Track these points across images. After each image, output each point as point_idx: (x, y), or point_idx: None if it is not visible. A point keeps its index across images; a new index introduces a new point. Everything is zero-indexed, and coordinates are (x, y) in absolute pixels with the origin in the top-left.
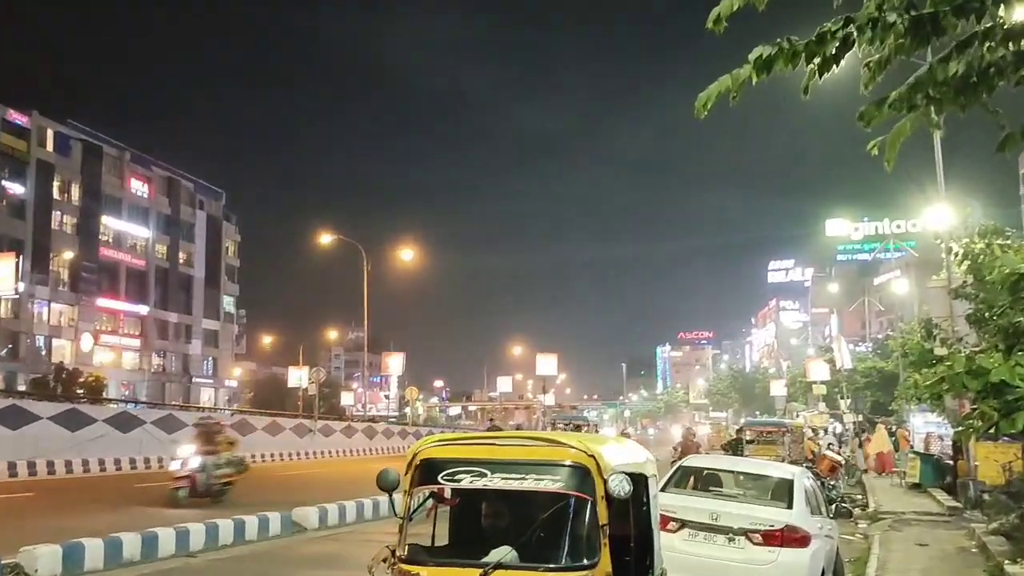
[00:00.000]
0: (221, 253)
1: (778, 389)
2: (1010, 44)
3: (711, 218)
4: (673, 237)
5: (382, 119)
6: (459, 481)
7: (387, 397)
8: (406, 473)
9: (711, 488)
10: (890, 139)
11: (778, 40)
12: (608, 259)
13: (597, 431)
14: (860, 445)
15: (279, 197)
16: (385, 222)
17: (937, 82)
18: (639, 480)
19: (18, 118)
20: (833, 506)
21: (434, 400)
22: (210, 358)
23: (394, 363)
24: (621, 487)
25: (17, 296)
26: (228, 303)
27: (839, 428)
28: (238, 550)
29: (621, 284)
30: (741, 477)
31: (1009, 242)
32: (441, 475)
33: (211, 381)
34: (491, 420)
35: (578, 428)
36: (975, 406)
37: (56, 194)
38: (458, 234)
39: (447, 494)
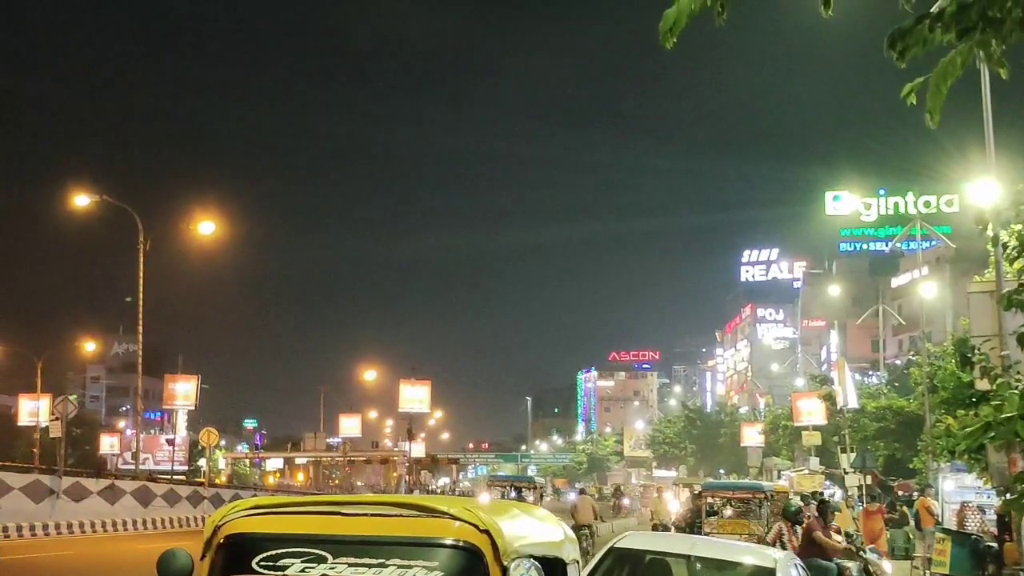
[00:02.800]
0: None
1: (752, 437)
2: None
3: (660, 190)
4: (604, 216)
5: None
6: (285, 569)
7: (171, 443)
8: (203, 556)
9: None
10: (934, 80)
11: None
12: (510, 251)
13: (541, 498)
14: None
15: (8, 134)
16: (179, 184)
17: None
18: (554, 568)
19: None
20: None
21: (243, 448)
22: None
23: (183, 391)
24: None
25: None
26: None
27: (837, 494)
28: None
29: (527, 284)
30: (699, 566)
31: None
32: (257, 560)
33: None
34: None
35: (520, 493)
36: None
37: None
38: (288, 207)
39: None
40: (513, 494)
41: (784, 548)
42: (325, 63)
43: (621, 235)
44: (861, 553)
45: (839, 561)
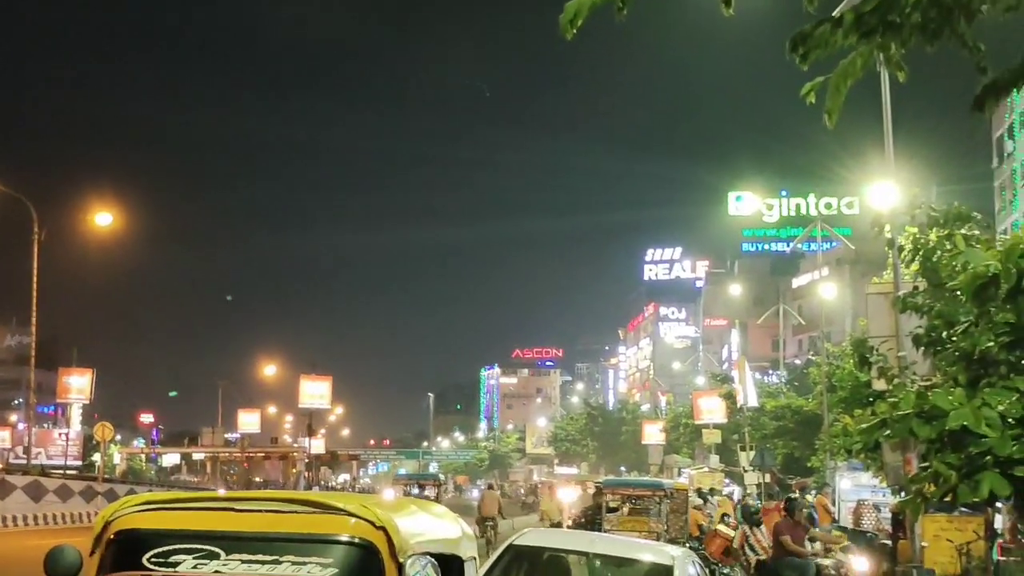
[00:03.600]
0: None
1: (654, 435)
2: None
3: (562, 187)
4: (511, 214)
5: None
6: (176, 566)
7: (64, 437)
8: (93, 552)
9: None
10: (834, 80)
11: None
12: (413, 247)
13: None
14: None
15: None
16: (76, 172)
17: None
18: (451, 565)
19: None
20: None
21: (139, 443)
22: None
23: (77, 384)
24: None
25: None
26: None
27: (735, 492)
28: None
29: (429, 280)
30: (598, 563)
31: (976, 233)
32: (148, 556)
33: None
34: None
35: (423, 490)
36: (926, 463)
37: None
38: (195, 203)
39: None
40: (416, 491)
41: (755, 551)
42: (232, 61)
43: (526, 234)
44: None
45: (817, 561)
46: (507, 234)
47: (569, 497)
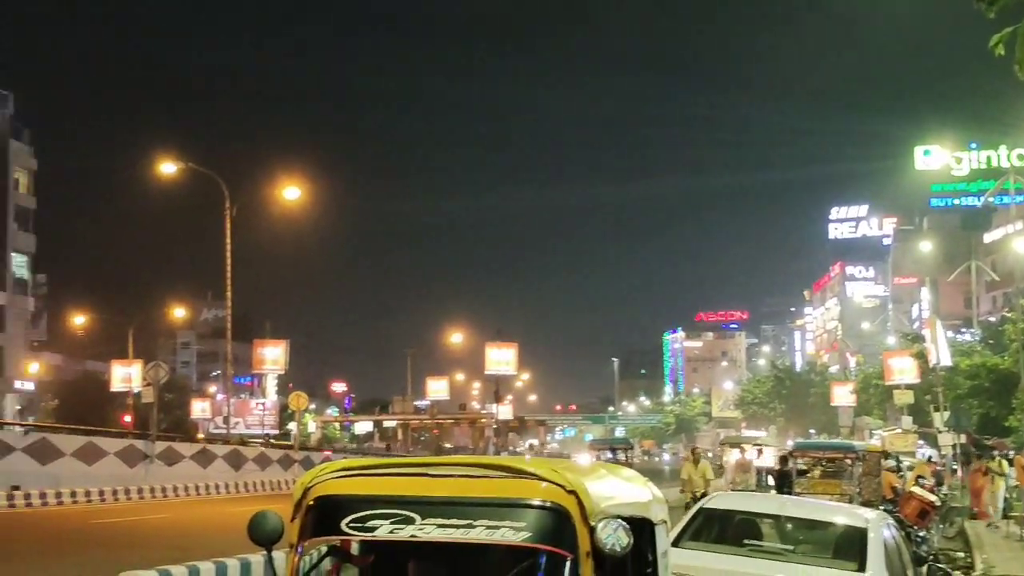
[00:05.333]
0: (7, 188)
1: (843, 397)
2: None
3: (745, 144)
4: (691, 173)
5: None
6: (374, 530)
7: (261, 407)
8: (293, 518)
9: (746, 542)
10: (1023, 29)
11: None
12: (592, 208)
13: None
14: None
15: (96, 104)
16: (262, 150)
17: None
18: (642, 528)
19: None
20: (925, 567)
21: (332, 412)
22: None
23: (272, 356)
24: (616, 539)
25: None
26: (19, 264)
27: (931, 454)
28: None
29: (613, 245)
30: (790, 526)
31: None
32: (346, 521)
33: None
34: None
35: (615, 454)
36: None
37: None
38: (371, 170)
39: (355, 549)
40: (608, 455)
41: None
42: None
43: (708, 192)
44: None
45: None
46: (689, 194)
47: (749, 460)
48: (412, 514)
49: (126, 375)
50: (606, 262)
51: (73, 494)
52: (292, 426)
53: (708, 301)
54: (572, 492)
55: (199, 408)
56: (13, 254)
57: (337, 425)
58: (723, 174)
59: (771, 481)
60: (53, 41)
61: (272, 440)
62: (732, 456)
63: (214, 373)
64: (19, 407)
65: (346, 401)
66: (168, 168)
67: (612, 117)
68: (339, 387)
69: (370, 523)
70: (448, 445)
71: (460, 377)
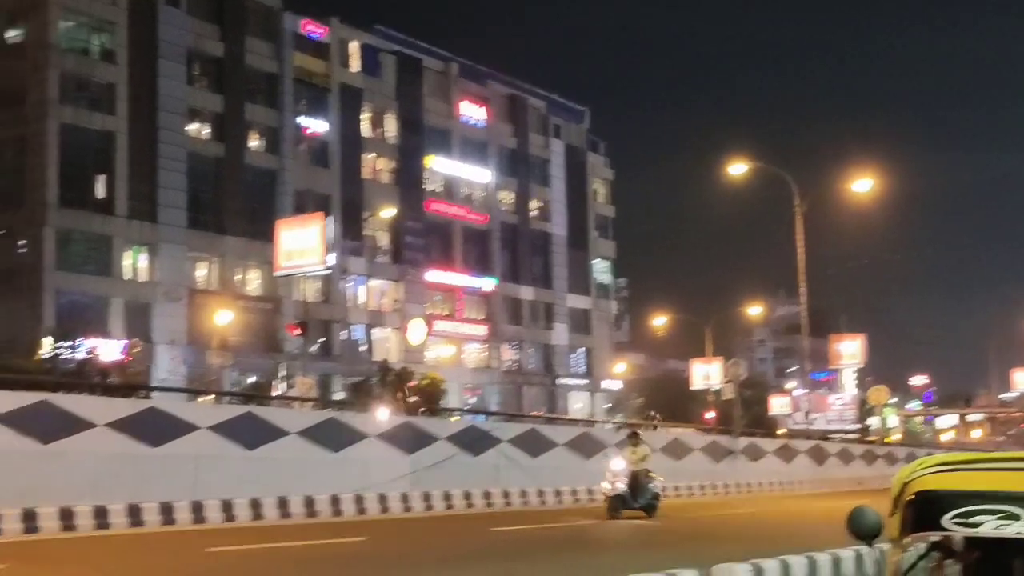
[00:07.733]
0: (587, 198)
1: None
2: None
3: None
4: None
5: None
6: (978, 526)
7: (840, 402)
8: (893, 513)
9: None
10: None
11: None
12: None
13: None
14: None
15: (660, 114)
16: (825, 142)
17: None
18: None
19: (315, 30)
20: None
21: (913, 405)
22: (580, 349)
23: (848, 350)
24: None
25: (328, 271)
26: (601, 270)
27: None
28: None
29: None
30: None
31: None
32: (949, 516)
33: (584, 382)
34: None
35: None
36: None
37: (366, 130)
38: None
39: (958, 545)
40: None
41: None
42: None
43: None
44: None
45: None
46: None
47: None
48: (1019, 510)
49: (705, 373)
50: None
51: (676, 488)
52: (871, 421)
53: None
54: None
55: (777, 404)
56: (596, 260)
57: (919, 420)
58: None
59: None
60: (618, 56)
61: (855, 436)
62: None
63: (790, 369)
64: (607, 405)
65: (926, 395)
66: (737, 169)
67: None
68: (919, 380)
69: (973, 519)
70: None
71: None
